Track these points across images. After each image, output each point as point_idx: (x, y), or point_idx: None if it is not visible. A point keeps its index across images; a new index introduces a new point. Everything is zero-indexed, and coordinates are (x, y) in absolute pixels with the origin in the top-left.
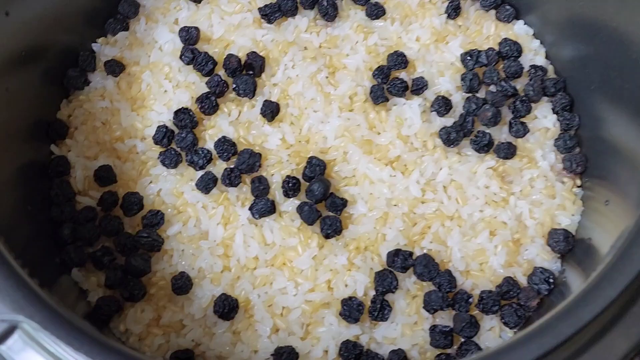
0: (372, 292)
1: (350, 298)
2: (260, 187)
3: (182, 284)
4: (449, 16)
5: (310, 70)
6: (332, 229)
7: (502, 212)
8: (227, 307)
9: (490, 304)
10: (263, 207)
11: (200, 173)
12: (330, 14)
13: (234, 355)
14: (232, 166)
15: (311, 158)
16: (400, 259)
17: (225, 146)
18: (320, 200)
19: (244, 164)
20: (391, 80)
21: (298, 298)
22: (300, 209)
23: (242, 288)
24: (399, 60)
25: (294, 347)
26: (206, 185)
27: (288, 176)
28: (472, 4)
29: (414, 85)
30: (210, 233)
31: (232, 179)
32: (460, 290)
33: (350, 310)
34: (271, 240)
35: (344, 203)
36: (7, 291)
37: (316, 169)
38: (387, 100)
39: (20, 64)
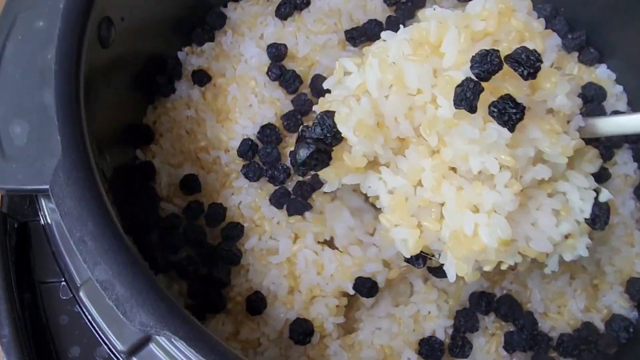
0: (450, 330)
1: (430, 337)
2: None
3: (257, 305)
4: None
5: None
6: None
7: (582, 257)
8: (302, 334)
9: (570, 348)
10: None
11: (276, 188)
12: None
13: None
14: (305, 180)
15: None
16: (484, 302)
17: None
18: None
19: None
20: None
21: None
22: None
23: (318, 312)
24: None
25: None
26: (278, 200)
27: None
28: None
29: None
30: (280, 249)
31: (303, 190)
32: (540, 332)
33: (432, 349)
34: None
35: None
36: (151, 303)
37: None
38: None
39: (118, 66)
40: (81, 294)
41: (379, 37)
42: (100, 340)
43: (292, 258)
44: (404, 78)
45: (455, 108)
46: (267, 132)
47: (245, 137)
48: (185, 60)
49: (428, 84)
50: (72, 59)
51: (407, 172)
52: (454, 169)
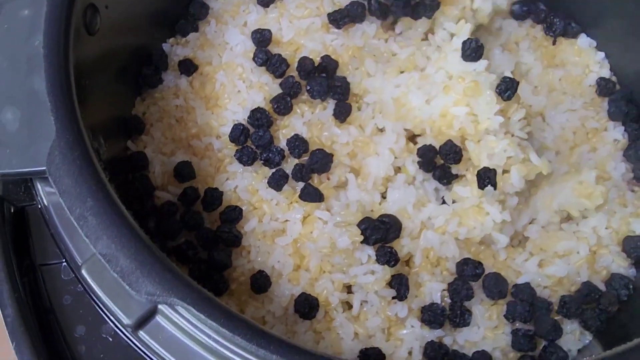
0: (448, 299)
1: (432, 304)
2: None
3: (262, 283)
4: None
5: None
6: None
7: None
8: (307, 307)
9: (573, 308)
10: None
11: (273, 170)
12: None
13: (318, 349)
14: (303, 163)
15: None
16: (469, 268)
17: (297, 143)
18: None
19: (317, 163)
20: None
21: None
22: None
23: (323, 287)
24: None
25: (380, 348)
26: (277, 182)
27: None
28: None
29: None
30: (287, 230)
31: (303, 174)
32: (539, 298)
33: (435, 315)
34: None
35: None
36: (157, 272)
37: None
38: None
39: (104, 57)
40: (83, 272)
41: (362, 19)
42: (105, 317)
43: (300, 238)
44: None
45: None
46: (258, 115)
47: (236, 122)
48: (170, 51)
49: None
50: (60, 43)
51: None
52: None
